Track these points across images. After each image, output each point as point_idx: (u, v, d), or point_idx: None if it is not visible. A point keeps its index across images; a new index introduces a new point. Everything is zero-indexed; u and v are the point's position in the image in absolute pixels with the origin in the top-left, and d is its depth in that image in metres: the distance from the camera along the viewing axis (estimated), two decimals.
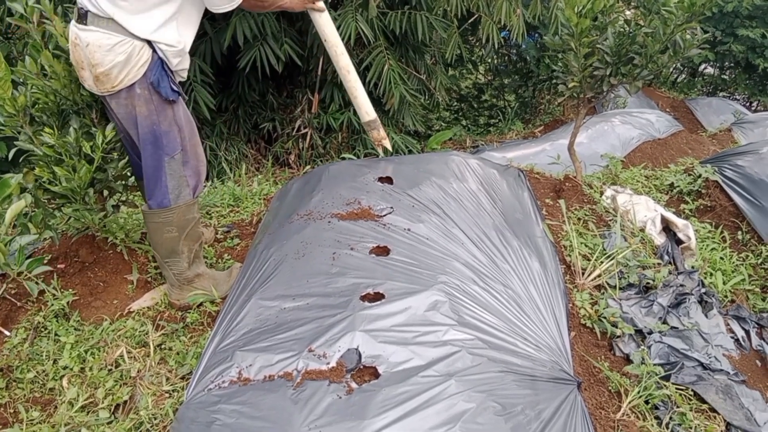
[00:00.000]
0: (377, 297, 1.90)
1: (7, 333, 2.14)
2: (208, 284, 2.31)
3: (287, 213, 2.48)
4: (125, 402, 1.94)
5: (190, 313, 2.26)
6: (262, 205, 3.13)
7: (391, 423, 1.42)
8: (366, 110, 2.80)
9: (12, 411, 1.93)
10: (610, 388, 1.91)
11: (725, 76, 8.90)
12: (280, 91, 5.64)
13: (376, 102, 5.59)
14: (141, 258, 2.47)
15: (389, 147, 2.83)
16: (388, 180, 2.58)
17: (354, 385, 1.58)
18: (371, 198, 2.42)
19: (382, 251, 2.16)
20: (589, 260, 2.47)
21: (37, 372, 2.02)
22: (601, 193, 3.07)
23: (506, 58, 8.13)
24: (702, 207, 3.25)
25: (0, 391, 1.96)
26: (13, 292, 2.23)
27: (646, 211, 2.82)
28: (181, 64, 2.06)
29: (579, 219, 2.79)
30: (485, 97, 8.67)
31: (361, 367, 1.65)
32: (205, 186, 3.58)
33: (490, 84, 8.70)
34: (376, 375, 1.62)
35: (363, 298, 1.90)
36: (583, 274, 2.39)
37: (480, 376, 1.61)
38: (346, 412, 1.46)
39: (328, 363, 1.66)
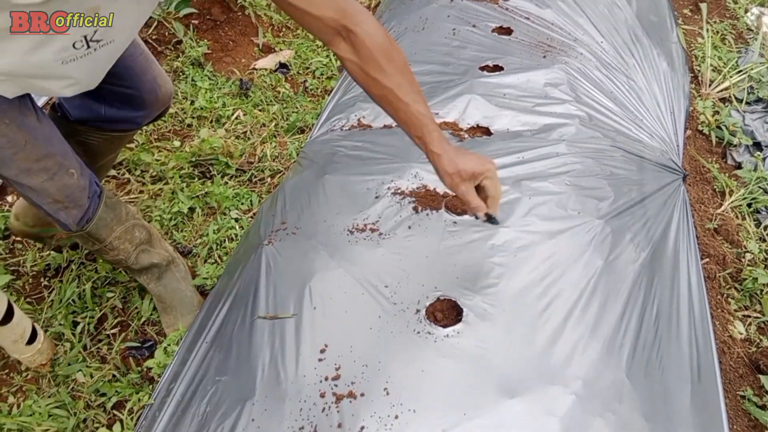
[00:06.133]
0: (496, 69, 1.92)
1: None
2: None
3: None
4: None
5: (309, 78, 2.39)
6: None
7: (502, 166, 1.51)
8: None
9: (156, 137, 2.20)
10: (715, 187, 1.92)
11: None
12: None
13: None
14: (266, 23, 2.57)
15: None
16: None
17: (467, 137, 1.67)
18: None
19: (504, 31, 2.13)
20: (719, 72, 2.33)
21: (177, 109, 2.25)
22: (746, 11, 2.79)
23: None
24: None
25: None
26: (153, 37, 2.42)
27: None
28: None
29: (717, 32, 2.57)
30: None
31: (475, 126, 1.73)
32: None
33: None
34: (488, 133, 1.70)
35: (482, 68, 1.93)
36: (710, 85, 2.27)
37: (590, 146, 1.65)
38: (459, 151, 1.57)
39: (443, 119, 1.74)
